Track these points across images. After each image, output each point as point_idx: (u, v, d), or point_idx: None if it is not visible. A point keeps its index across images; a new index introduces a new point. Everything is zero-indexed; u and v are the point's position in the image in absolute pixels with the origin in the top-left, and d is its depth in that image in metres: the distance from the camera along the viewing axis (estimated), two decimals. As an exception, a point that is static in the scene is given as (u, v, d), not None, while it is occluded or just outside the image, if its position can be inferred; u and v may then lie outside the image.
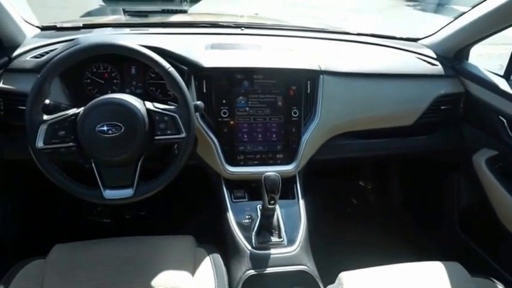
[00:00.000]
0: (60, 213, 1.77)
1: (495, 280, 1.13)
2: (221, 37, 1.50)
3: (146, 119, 1.02)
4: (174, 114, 1.05)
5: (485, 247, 1.55)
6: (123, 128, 1.00)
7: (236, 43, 1.45)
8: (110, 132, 0.99)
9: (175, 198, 1.73)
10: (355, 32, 1.71)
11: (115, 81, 1.33)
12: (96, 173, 1.03)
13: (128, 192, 1.03)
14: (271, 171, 1.11)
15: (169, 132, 1.05)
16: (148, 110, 1.04)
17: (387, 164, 2.04)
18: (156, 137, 1.05)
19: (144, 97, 1.09)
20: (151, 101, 1.08)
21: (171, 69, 1.06)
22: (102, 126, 0.99)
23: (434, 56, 1.58)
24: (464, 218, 1.68)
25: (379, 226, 1.92)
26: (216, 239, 1.24)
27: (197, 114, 1.23)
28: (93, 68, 1.31)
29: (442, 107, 1.48)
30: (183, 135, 1.05)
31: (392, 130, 1.48)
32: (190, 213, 1.78)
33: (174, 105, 1.08)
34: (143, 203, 1.83)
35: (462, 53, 1.55)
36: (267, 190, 1.09)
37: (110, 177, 1.03)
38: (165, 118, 1.05)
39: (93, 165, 1.03)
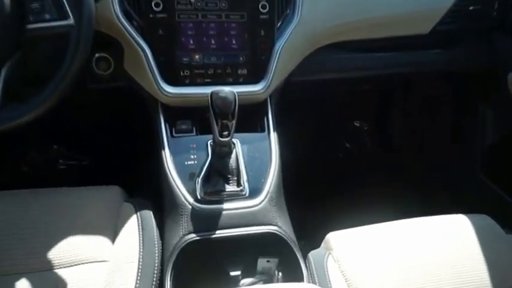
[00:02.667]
0: None
1: None
2: None
3: None
4: None
5: None
6: None
7: None
8: None
9: (116, 141, 1.44)
10: None
11: None
12: None
13: None
14: None
15: (47, 16, 0.69)
16: None
17: (389, 95, 1.73)
18: (29, 26, 0.69)
19: None
20: None
21: None
22: None
23: None
24: (489, 160, 1.40)
25: (379, 174, 1.66)
26: (153, 190, 0.94)
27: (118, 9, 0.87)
28: None
29: (471, 8, 1.14)
30: (71, 21, 0.69)
31: (400, 40, 1.15)
32: (132, 159, 1.47)
33: None
34: (81, 150, 1.53)
35: None
36: (216, 113, 0.75)
37: None
38: None
39: None
